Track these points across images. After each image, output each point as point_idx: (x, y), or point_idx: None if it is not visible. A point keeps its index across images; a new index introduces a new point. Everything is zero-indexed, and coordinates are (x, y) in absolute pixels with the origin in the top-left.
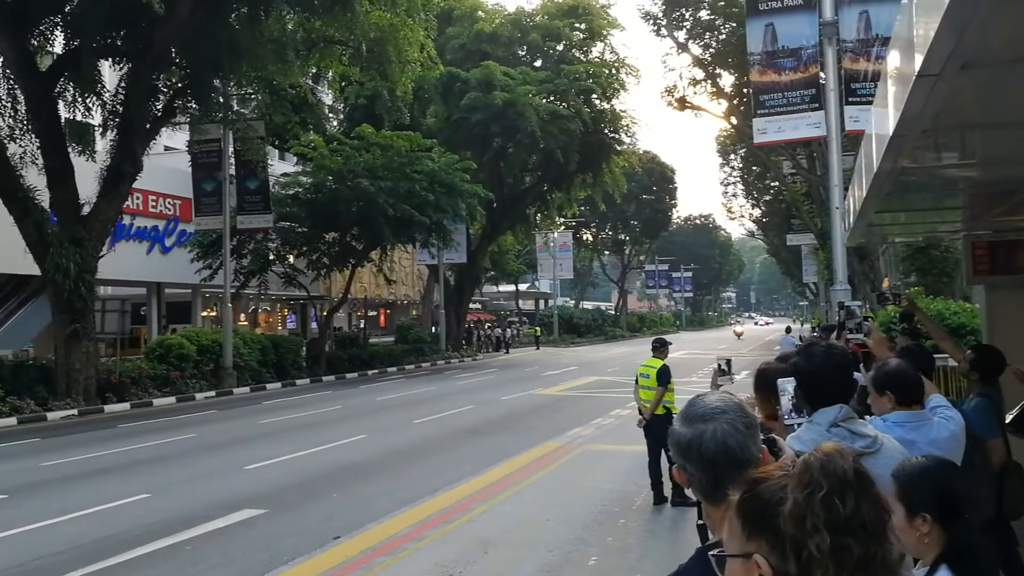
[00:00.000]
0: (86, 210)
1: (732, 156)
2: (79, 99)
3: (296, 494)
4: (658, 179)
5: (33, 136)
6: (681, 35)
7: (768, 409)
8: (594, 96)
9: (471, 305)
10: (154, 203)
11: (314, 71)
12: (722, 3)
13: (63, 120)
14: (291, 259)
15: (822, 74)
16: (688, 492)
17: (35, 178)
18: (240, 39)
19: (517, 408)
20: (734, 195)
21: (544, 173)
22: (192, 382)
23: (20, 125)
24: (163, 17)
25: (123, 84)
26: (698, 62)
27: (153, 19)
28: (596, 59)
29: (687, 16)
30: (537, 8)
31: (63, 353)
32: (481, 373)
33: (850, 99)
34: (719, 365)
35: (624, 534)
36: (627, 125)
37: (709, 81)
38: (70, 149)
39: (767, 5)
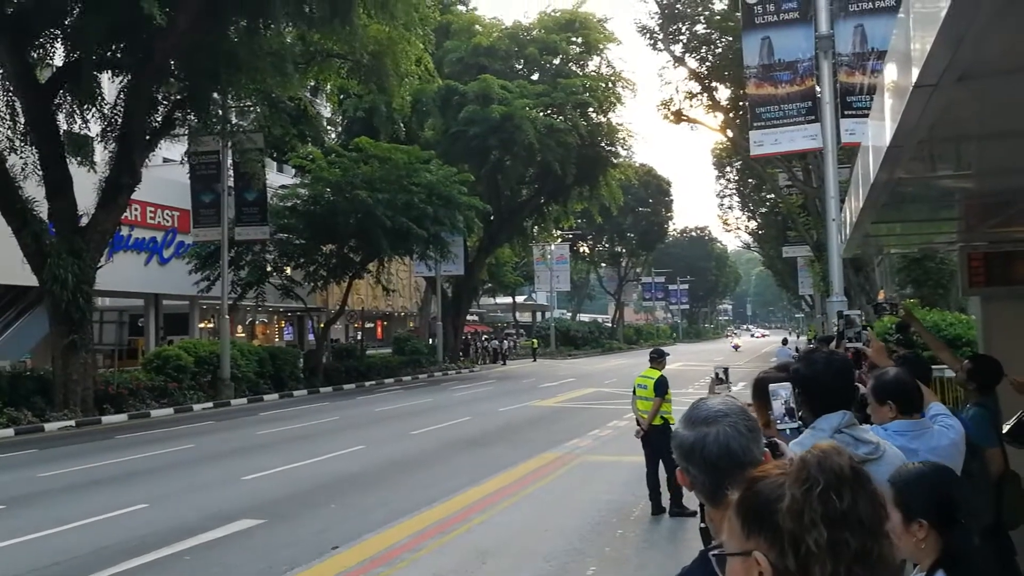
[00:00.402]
0: (84, 221)
1: (728, 169)
2: (78, 111)
3: (294, 505)
4: (654, 192)
5: (32, 148)
6: (677, 49)
7: (766, 417)
8: (591, 109)
9: (468, 317)
10: (152, 214)
11: (312, 84)
12: (718, 17)
13: (62, 132)
14: (288, 271)
15: (818, 87)
16: (685, 502)
17: (34, 189)
18: (239, 52)
19: (514, 420)
20: (730, 207)
21: (541, 186)
22: (190, 393)
23: (19, 137)
24: (163, 30)
25: (122, 96)
26: (694, 75)
27: (153, 32)
28: (593, 73)
29: (683, 30)
30: (534, 22)
31: (61, 364)
32: (478, 385)
33: (846, 112)
34: (716, 374)
35: (622, 544)
36: (623, 138)
37: (705, 94)
38: (69, 161)
39: (763, 19)
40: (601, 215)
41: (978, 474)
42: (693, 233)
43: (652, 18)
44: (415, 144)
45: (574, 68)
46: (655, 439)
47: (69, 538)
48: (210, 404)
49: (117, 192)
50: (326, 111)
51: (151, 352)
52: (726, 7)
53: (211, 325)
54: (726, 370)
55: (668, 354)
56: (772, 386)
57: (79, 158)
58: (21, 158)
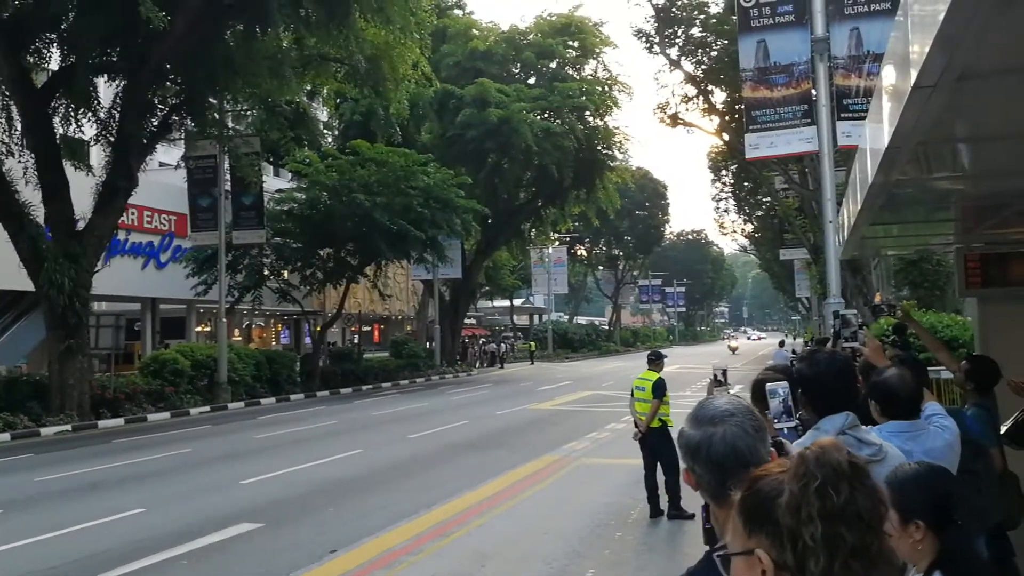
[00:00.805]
0: (81, 225)
1: (724, 172)
2: (74, 115)
3: (292, 508)
4: (651, 195)
5: (29, 152)
6: (673, 52)
7: (767, 420)
8: (587, 113)
9: (466, 320)
10: (149, 219)
11: (309, 88)
12: (714, 21)
13: (59, 136)
14: (285, 274)
15: (814, 90)
16: (684, 504)
17: (30, 193)
18: (236, 56)
19: (512, 423)
20: (726, 211)
21: (538, 189)
22: (187, 397)
23: (16, 141)
24: (159, 33)
25: (119, 100)
26: (690, 79)
27: (149, 36)
28: (589, 76)
29: (679, 33)
30: (531, 26)
31: (57, 369)
32: (476, 388)
33: (842, 115)
34: (715, 376)
35: (621, 547)
36: (620, 141)
37: (701, 98)
38: (65, 164)
39: (759, 22)
40: (598, 218)
41: (984, 473)
42: (690, 236)
43: (648, 22)
44: (412, 148)
45: (571, 72)
46: (653, 441)
47: (66, 543)
48: (207, 408)
49: (114, 196)
50: (323, 115)
51: (148, 356)
52: (722, 10)
53: (208, 329)
54: (724, 371)
55: (666, 356)
56: (769, 385)
57: (75, 162)
58: (20, 162)
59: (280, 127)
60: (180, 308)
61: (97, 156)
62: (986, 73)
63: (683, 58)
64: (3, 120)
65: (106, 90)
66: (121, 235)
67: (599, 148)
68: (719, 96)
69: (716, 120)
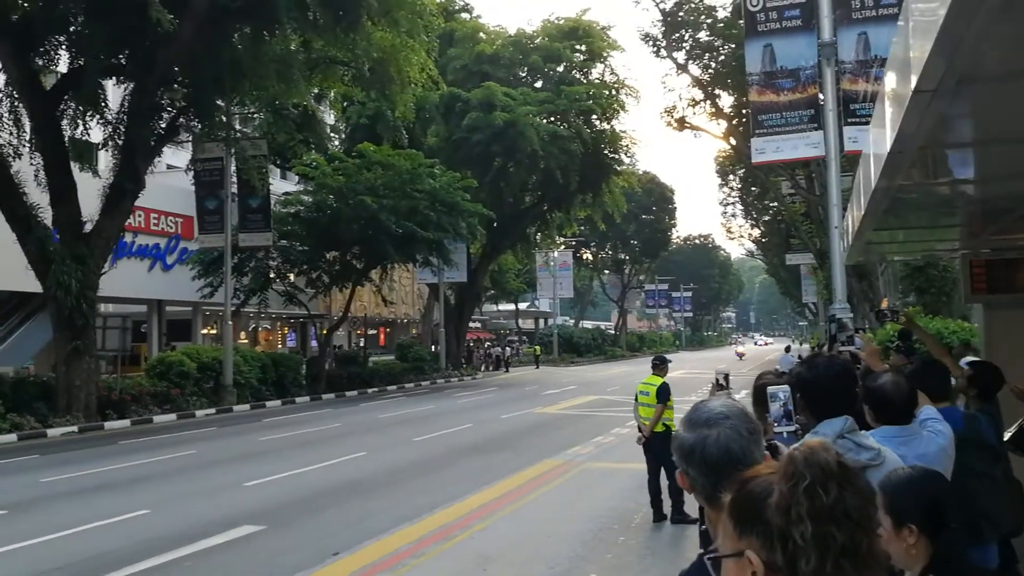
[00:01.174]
0: (88, 227)
1: (731, 176)
2: (82, 118)
3: (296, 511)
4: (658, 199)
5: (37, 154)
6: (680, 56)
7: (767, 424)
8: (594, 117)
9: (471, 324)
10: (156, 221)
11: (316, 91)
12: (721, 25)
13: (67, 138)
14: (292, 277)
15: (821, 95)
16: (687, 509)
17: (38, 195)
18: (243, 59)
19: (517, 426)
20: (733, 215)
21: (544, 193)
22: (192, 399)
23: (25, 143)
24: (167, 36)
25: (126, 102)
26: (697, 83)
27: (157, 38)
28: (596, 80)
29: (686, 37)
30: (538, 30)
31: (64, 370)
32: (481, 392)
33: (849, 120)
34: (717, 380)
35: (624, 551)
36: (627, 145)
37: (708, 101)
38: (73, 167)
39: (766, 26)
40: (604, 222)
41: (1002, 479)
42: (696, 241)
43: (655, 26)
44: (418, 151)
45: (578, 76)
46: (657, 446)
47: (71, 543)
48: (213, 410)
49: (121, 198)
50: (330, 118)
51: (154, 358)
52: (729, 15)
53: (214, 331)
54: (726, 376)
55: (670, 361)
56: (770, 388)
57: (83, 164)
58: (32, 164)
59: (287, 130)
60: (186, 310)
61: (104, 158)
62: (987, 77)
63: (690, 62)
64: (12, 122)
65: (114, 93)
66: (128, 237)
67: (606, 152)
68: (726, 100)
69: (723, 124)
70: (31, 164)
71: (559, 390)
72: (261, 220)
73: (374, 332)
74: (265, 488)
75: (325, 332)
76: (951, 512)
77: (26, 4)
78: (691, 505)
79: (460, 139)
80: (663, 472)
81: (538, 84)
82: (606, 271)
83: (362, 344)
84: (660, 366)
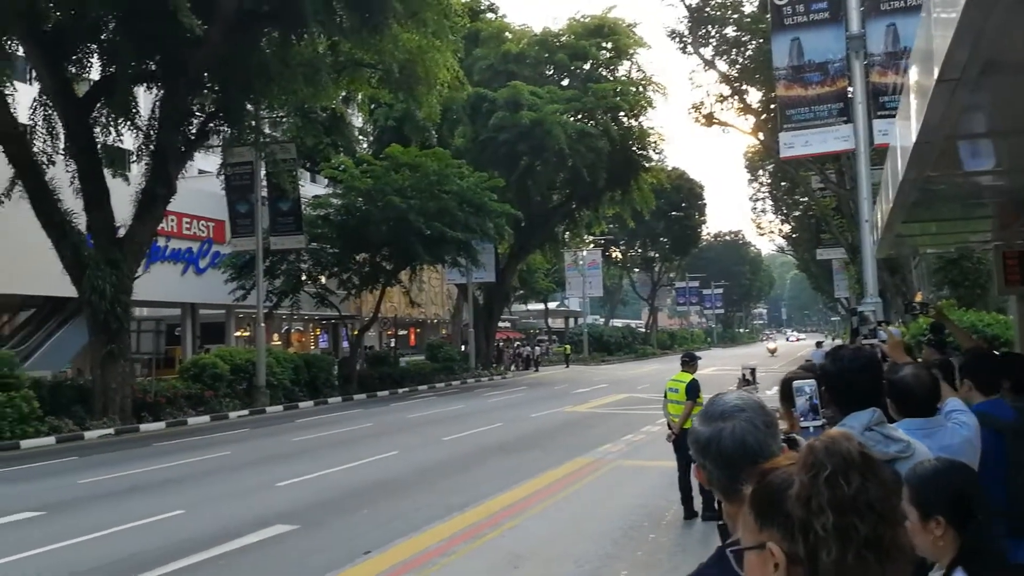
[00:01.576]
0: (122, 232)
1: (760, 172)
2: (114, 124)
3: (327, 510)
4: (687, 196)
5: (71, 161)
6: (707, 52)
7: (791, 420)
8: (621, 114)
9: (500, 324)
10: (188, 225)
11: (343, 94)
12: (748, 20)
13: (99, 145)
14: (323, 279)
15: (849, 88)
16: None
17: (72, 202)
18: (271, 63)
19: (547, 425)
20: (763, 211)
21: (572, 191)
22: (226, 401)
23: (58, 150)
24: (196, 42)
25: (157, 109)
26: (725, 78)
27: (186, 44)
28: (623, 77)
29: (713, 33)
30: (563, 28)
31: (100, 373)
32: (511, 391)
33: (879, 112)
34: (743, 375)
35: (654, 549)
36: (655, 142)
37: (736, 97)
38: (106, 173)
39: (793, 20)
40: (633, 220)
41: None
42: (727, 237)
43: (681, 22)
44: (445, 151)
45: (604, 73)
46: (686, 443)
47: (107, 544)
48: (246, 411)
49: (153, 203)
50: (358, 121)
51: (188, 361)
52: (756, 9)
53: (247, 333)
54: (752, 371)
55: (700, 358)
56: (796, 383)
57: (116, 170)
58: (67, 171)
59: (315, 133)
60: (219, 313)
61: (137, 164)
62: (1011, 66)
63: (717, 58)
64: (45, 130)
65: (145, 99)
66: (161, 242)
67: (633, 149)
68: (754, 95)
69: (751, 119)
70: (66, 171)
71: (589, 389)
72: (292, 223)
73: (404, 333)
74: (297, 488)
75: (356, 333)
76: (978, 503)
77: (58, 13)
78: None
79: (487, 139)
80: (694, 469)
81: (564, 82)
82: (636, 269)
83: (392, 344)
84: (689, 363)
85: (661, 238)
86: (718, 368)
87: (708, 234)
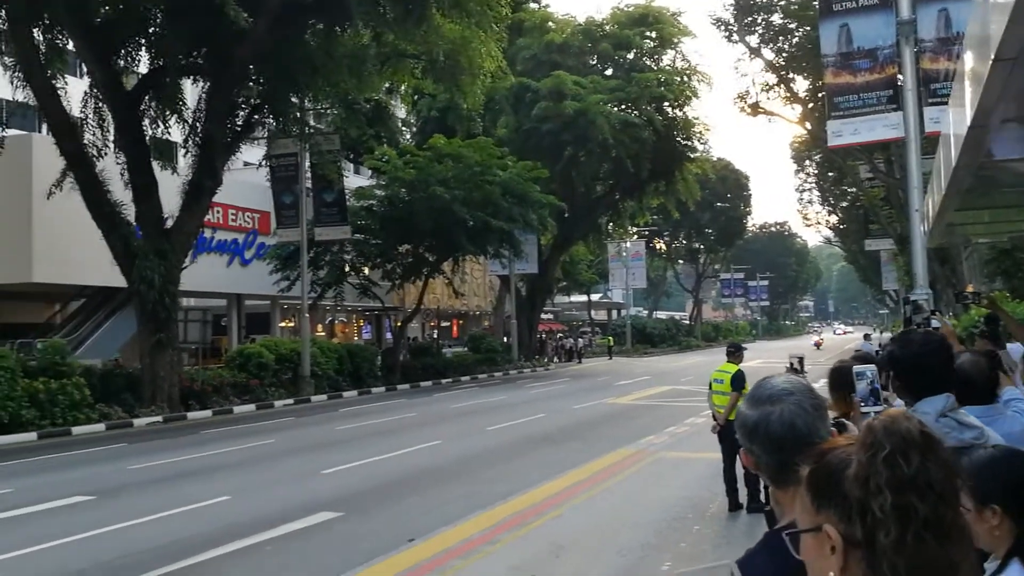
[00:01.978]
0: (169, 223)
1: (807, 162)
2: (162, 116)
3: (372, 498)
4: (732, 186)
5: (120, 153)
6: (753, 40)
7: (843, 407)
8: (666, 104)
9: (543, 315)
10: (234, 217)
11: (387, 85)
12: (795, 7)
13: (147, 137)
14: (366, 271)
15: (899, 75)
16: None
17: (121, 193)
18: (315, 55)
19: (589, 416)
20: (810, 202)
21: (616, 182)
22: (271, 390)
23: (108, 142)
24: (242, 35)
25: (203, 101)
26: (771, 67)
27: (232, 37)
28: (667, 67)
29: (759, 21)
30: (607, 18)
31: (148, 362)
32: (553, 382)
33: (930, 100)
34: (791, 363)
35: (698, 540)
36: (699, 132)
37: (782, 86)
38: (154, 165)
39: (841, 6)
40: (678, 211)
41: None
42: (772, 228)
43: (727, 10)
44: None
45: (648, 63)
46: (731, 434)
47: (156, 528)
48: (291, 400)
49: (200, 195)
50: (401, 112)
51: (234, 350)
52: None
53: (291, 324)
54: (801, 359)
55: (746, 348)
56: (857, 367)
57: (163, 162)
58: (117, 163)
59: (359, 124)
60: (264, 304)
61: (183, 156)
62: None
63: (763, 46)
64: (96, 123)
65: (191, 92)
66: (207, 233)
67: (678, 139)
68: (801, 84)
69: (798, 109)
70: (116, 163)
71: (632, 380)
72: (337, 214)
73: (447, 324)
74: (342, 476)
75: (399, 324)
76: None
77: (107, 8)
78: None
79: (530, 129)
80: (739, 460)
81: (608, 72)
82: (680, 260)
83: (435, 335)
84: (735, 353)
85: (706, 229)
86: (764, 360)
87: (753, 225)
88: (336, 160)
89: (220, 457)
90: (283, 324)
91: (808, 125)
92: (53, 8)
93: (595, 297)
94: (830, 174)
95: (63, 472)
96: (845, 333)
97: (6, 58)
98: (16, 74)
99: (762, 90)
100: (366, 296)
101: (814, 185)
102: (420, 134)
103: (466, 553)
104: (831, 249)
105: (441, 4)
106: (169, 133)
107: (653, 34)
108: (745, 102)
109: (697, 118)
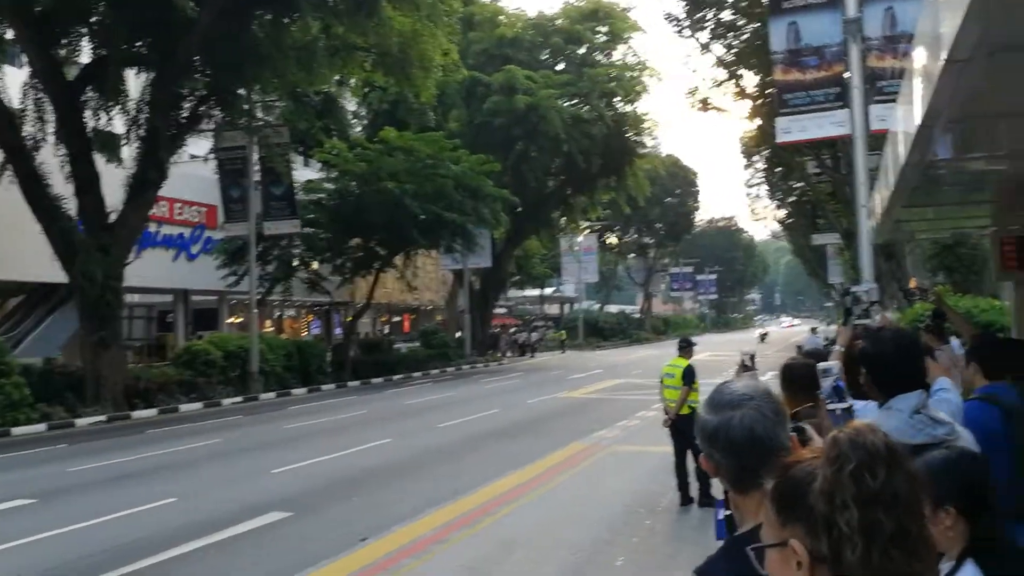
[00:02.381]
0: (112, 218)
1: (756, 157)
2: (105, 108)
3: (322, 497)
4: (681, 182)
5: (61, 145)
6: (704, 36)
7: (795, 405)
8: (616, 99)
9: (496, 310)
10: (180, 211)
11: (337, 78)
12: (745, 3)
13: (89, 129)
14: (315, 265)
15: (847, 72)
16: (713, 492)
17: (62, 186)
18: (263, 46)
19: (542, 411)
20: (758, 196)
21: (567, 177)
22: (219, 388)
23: (48, 134)
24: (187, 25)
25: (148, 92)
26: (721, 63)
27: (178, 27)
28: (618, 62)
29: (709, 16)
30: (558, 12)
31: (91, 360)
32: (506, 377)
33: (876, 97)
34: (743, 361)
35: (650, 535)
36: (649, 128)
37: (732, 82)
38: (96, 157)
39: (790, 3)
40: (628, 206)
41: None
42: (720, 223)
43: (678, 5)
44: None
45: (599, 57)
46: (683, 428)
47: (100, 532)
48: (239, 398)
49: (144, 188)
50: (351, 104)
51: (180, 347)
52: None
53: (239, 320)
54: (752, 356)
55: (696, 343)
56: (821, 364)
57: (106, 155)
58: (56, 156)
59: (308, 117)
60: (212, 299)
61: (128, 149)
62: (1020, 46)
63: (713, 41)
64: (35, 114)
65: (135, 82)
66: (152, 227)
67: (628, 135)
68: (750, 80)
69: (748, 104)
70: (55, 155)
71: (585, 374)
72: (286, 207)
73: (398, 319)
74: (292, 475)
75: (349, 319)
76: (990, 493)
77: None
78: (718, 488)
79: (482, 123)
80: (689, 455)
81: (560, 67)
82: (631, 255)
83: (387, 331)
84: (686, 348)
85: (656, 224)
86: (712, 353)
87: (702, 220)
88: (285, 153)
89: (166, 457)
90: (231, 320)
91: (757, 120)
92: None
93: (548, 291)
94: (778, 169)
95: (2, 474)
96: (791, 326)
97: None
98: None
99: (712, 86)
100: (315, 291)
101: (763, 180)
102: (371, 127)
103: (418, 552)
104: (779, 243)
105: None
106: (112, 125)
107: (604, 29)
108: (695, 97)
109: (647, 113)
